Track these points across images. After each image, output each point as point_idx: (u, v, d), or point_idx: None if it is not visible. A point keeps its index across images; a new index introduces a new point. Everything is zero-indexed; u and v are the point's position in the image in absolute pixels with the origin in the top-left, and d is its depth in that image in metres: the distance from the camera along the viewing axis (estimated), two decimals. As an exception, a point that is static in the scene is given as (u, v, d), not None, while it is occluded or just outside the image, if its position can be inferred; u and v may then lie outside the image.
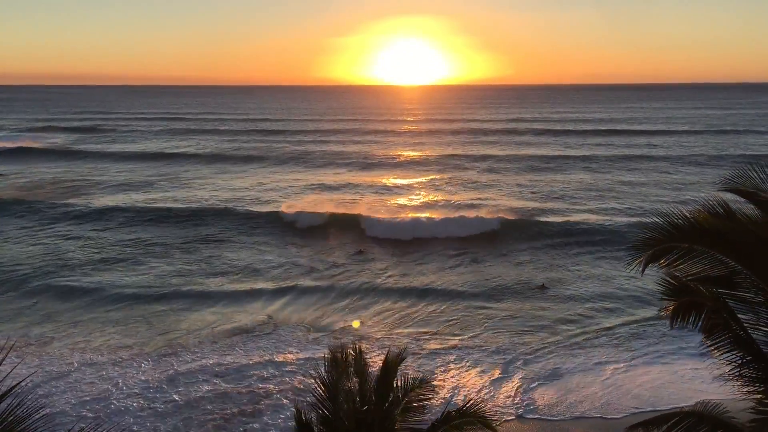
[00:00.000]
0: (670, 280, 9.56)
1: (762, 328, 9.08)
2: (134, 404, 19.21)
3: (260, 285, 31.08)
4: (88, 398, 19.51)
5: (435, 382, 20.18)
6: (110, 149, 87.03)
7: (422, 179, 61.96)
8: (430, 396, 10.24)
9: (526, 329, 25.31)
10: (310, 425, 9.74)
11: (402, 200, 51.54)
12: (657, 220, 9.58)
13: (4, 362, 5.77)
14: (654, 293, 9.87)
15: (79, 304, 28.66)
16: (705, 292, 9.18)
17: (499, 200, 50.14)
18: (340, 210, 45.62)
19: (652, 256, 9.46)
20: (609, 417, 18.51)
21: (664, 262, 9.47)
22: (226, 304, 28.46)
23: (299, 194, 54.15)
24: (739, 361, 9.02)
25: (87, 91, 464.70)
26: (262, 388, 20.33)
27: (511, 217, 42.30)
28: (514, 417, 18.52)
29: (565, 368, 21.72)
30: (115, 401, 19.42)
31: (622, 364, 21.95)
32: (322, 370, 10.05)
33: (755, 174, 9.80)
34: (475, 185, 57.93)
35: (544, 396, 19.72)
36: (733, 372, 9.11)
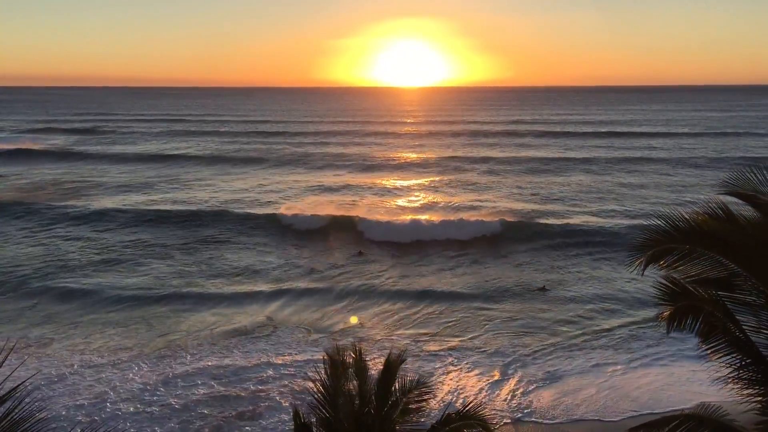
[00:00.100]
0: (667, 283, 9.56)
1: (762, 330, 9.08)
2: (131, 408, 19.17)
3: (260, 286, 31.09)
4: (85, 402, 19.43)
5: (434, 384, 20.19)
6: (110, 151, 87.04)
7: (422, 181, 61.97)
8: (428, 397, 10.24)
9: (525, 331, 25.31)
10: (309, 427, 9.72)
11: (402, 202, 51.55)
12: (657, 221, 9.59)
13: (3, 364, 5.77)
14: (653, 295, 9.87)
15: (79, 305, 28.66)
16: (704, 295, 9.18)
17: (499, 202, 50.14)
18: (340, 212, 45.62)
19: (652, 256, 9.47)
20: (607, 420, 18.50)
21: (664, 263, 9.48)
22: (226, 306, 28.46)
23: (299, 196, 54.17)
24: (738, 364, 9.01)
25: (87, 92, 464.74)
26: (261, 390, 20.32)
27: (511, 219, 42.29)
28: (511, 420, 18.48)
29: (564, 370, 21.71)
30: (113, 405, 19.38)
31: (620, 366, 21.96)
32: (322, 371, 10.04)
33: (754, 176, 9.81)
34: (475, 187, 57.93)
35: (542, 399, 19.71)
36: (732, 375, 9.10)
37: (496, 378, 21.17)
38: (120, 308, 28.24)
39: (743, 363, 8.99)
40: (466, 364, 22.30)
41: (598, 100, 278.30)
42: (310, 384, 10.38)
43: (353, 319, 27.01)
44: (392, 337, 24.80)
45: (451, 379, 21.18)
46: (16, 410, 5.63)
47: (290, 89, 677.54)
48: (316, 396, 9.75)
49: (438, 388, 20.16)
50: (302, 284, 31.42)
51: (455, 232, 39.61)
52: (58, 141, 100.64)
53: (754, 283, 9.02)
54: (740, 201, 9.90)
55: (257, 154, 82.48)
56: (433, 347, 23.81)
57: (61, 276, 32.62)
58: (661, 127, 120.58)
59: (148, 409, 19.08)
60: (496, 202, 50.00)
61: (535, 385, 20.64)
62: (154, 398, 19.77)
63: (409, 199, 53.10)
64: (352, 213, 45.04)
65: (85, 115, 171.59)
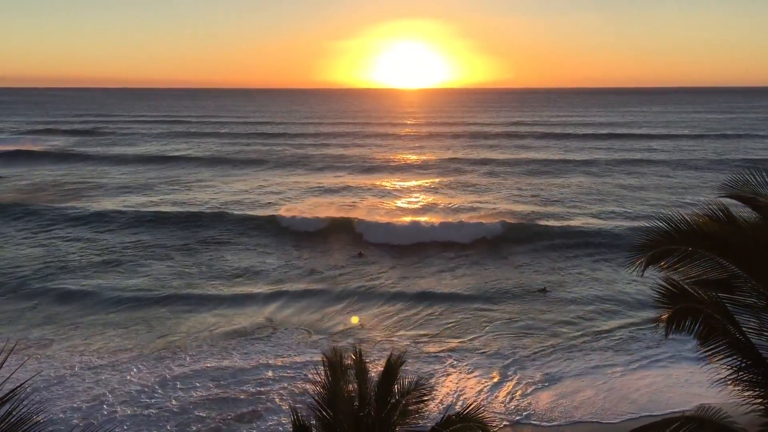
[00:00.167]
0: (667, 285, 9.57)
1: (763, 332, 9.08)
2: (128, 410, 19.08)
3: (260, 288, 31.08)
4: (84, 406, 19.32)
5: (434, 386, 20.18)
6: (110, 152, 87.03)
7: (422, 183, 61.97)
8: (428, 399, 10.23)
9: (525, 332, 25.30)
10: (308, 429, 9.71)
11: (402, 204, 51.54)
12: (658, 222, 9.61)
13: (3, 365, 5.76)
14: (653, 297, 9.88)
15: (80, 306, 28.66)
16: (703, 296, 9.18)
17: (499, 204, 50.13)
18: (340, 214, 45.61)
19: (653, 257, 9.49)
20: (605, 422, 18.47)
21: (664, 265, 9.50)
22: (226, 307, 28.45)
23: (299, 197, 54.17)
24: (738, 366, 9.01)
25: (87, 93, 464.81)
26: (260, 391, 20.29)
27: (511, 220, 42.27)
28: (510, 423, 18.43)
29: (563, 372, 21.70)
30: (110, 407, 19.31)
31: (619, 368, 21.94)
32: (322, 373, 10.03)
33: (753, 179, 9.84)
34: (476, 189, 57.93)
35: (540, 401, 19.68)
36: (732, 376, 9.10)
37: (495, 380, 21.15)
38: (120, 309, 28.23)
39: (743, 365, 8.99)
40: (466, 365, 22.29)
41: (598, 101, 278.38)
42: (310, 386, 10.36)
43: (354, 320, 27.07)
44: (392, 339, 24.79)
45: (450, 381, 21.16)
46: (14, 412, 5.62)
47: (290, 90, 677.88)
48: (315, 398, 9.74)
49: (438, 390, 20.16)
50: (302, 285, 31.41)
51: (455, 233, 39.58)
52: (58, 142, 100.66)
53: (754, 285, 9.04)
54: (740, 203, 9.93)
55: (257, 156, 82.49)
56: (433, 348, 23.80)
57: (62, 277, 32.62)
58: (661, 128, 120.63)
59: (146, 412, 19.03)
60: (496, 204, 49.99)
61: (534, 387, 20.61)
62: (152, 401, 19.73)
63: (409, 200, 53.09)
64: (353, 215, 45.03)
65: (85, 116, 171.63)
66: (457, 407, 18.70)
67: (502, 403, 19.59)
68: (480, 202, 50.75)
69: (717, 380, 9.30)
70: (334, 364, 9.99)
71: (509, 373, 21.66)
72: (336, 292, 30.38)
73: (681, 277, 9.51)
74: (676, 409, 17.63)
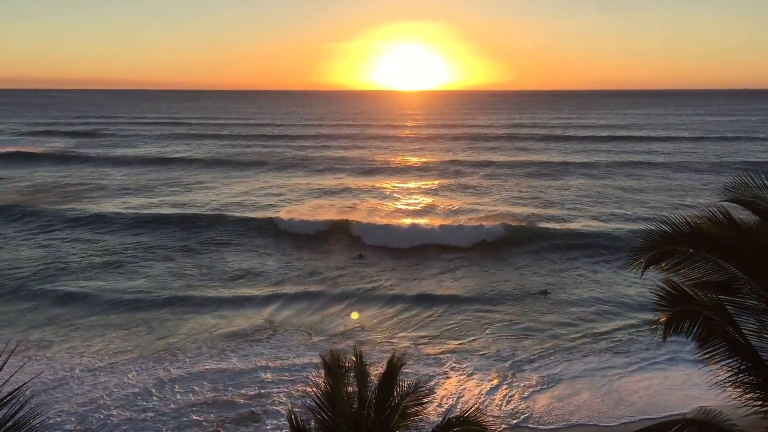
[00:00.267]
0: (666, 287, 9.57)
1: (763, 334, 9.07)
2: (126, 414, 19.01)
3: (260, 290, 31.07)
4: (81, 410, 19.22)
5: (434, 388, 20.19)
6: (111, 154, 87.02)
7: (423, 185, 61.96)
8: (428, 402, 10.22)
9: (526, 334, 25.29)
10: (306, 430, 9.69)
11: (402, 206, 51.53)
12: (659, 224, 9.62)
13: (3, 368, 5.75)
14: (652, 300, 9.87)
15: (80, 308, 28.65)
16: (703, 299, 9.18)
17: (500, 206, 50.12)
18: (341, 216, 45.59)
19: (653, 258, 9.49)
20: (604, 425, 18.46)
21: (665, 266, 9.50)
22: (226, 309, 28.44)
23: (300, 199, 54.15)
24: (738, 368, 9.00)
25: (87, 95, 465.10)
26: (259, 394, 20.27)
27: (512, 223, 42.24)
28: (508, 427, 18.38)
29: (563, 374, 21.69)
30: (107, 410, 19.26)
31: (618, 370, 21.93)
32: (322, 374, 10.02)
33: (753, 181, 9.86)
34: (476, 191, 57.92)
35: (539, 403, 19.66)
36: (731, 379, 9.09)
37: (495, 382, 21.13)
38: (120, 311, 28.23)
39: (743, 367, 8.98)
40: (466, 367, 22.27)
41: (598, 104, 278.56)
42: (310, 388, 10.34)
43: (354, 315, 27.13)
44: (392, 340, 24.77)
45: (450, 383, 21.15)
46: (14, 416, 5.61)
47: (291, 92, 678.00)
48: (315, 400, 9.72)
49: (437, 392, 20.15)
50: (302, 287, 31.40)
51: (456, 236, 39.54)
52: (58, 144, 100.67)
53: (755, 287, 9.04)
54: (740, 207, 9.94)
55: (258, 157, 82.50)
56: (433, 350, 23.79)
57: (62, 278, 32.61)
58: (661, 131, 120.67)
59: (142, 416, 18.94)
60: (496, 206, 49.98)
61: (533, 389, 20.59)
62: (150, 404, 19.65)
63: (409, 202, 53.09)
64: (353, 217, 45.00)
65: (86, 117, 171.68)
66: (456, 409, 18.71)
67: (501, 405, 19.58)
68: (480, 204, 50.75)
69: (716, 383, 9.28)
70: (333, 366, 9.98)
71: (509, 375, 21.65)
72: (336, 294, 30.37)
73: (682, 279, 9.52)
74: (675, 412, 17.63)
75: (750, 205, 9.76)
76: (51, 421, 18.11)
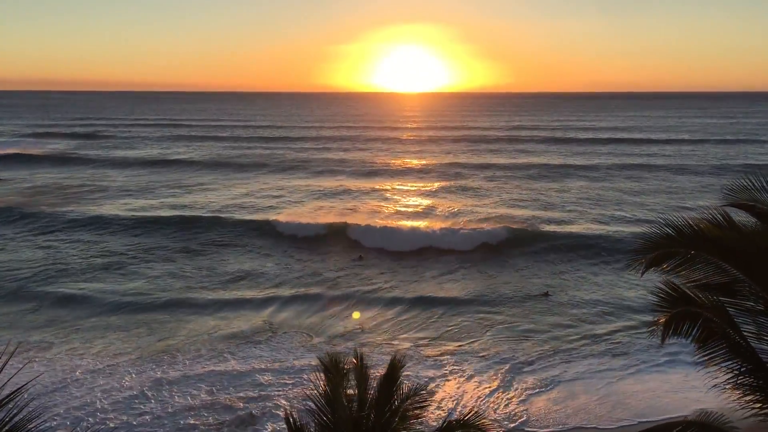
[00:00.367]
0: (666, 289, 9.57)
1: (763, 337, 9.07)
2: (124, 417, 18.97)
3: (260, 291, 31.06)
4: (80, 413, 19.14)
5: (434, 390, 20.16)
6: (111, 155, 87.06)
7: (423, 187, 61.94)
8: (428, 404, 10.20)
9: (526, 336, 25.28)
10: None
11: (403, 209, 51.52)
12: (661, 225, 9.62)
13: (2, 369, 5.74)
14: (652, 301, 9.85)
15: (80, 309, 28.65)
16: (704, 300, 9.18)
17: (500, 209, 50.11)
18: (341, 218, 45.57)
19: (654, 259, 9.50)
20: (602, 428, 18.43)
21: (666, 267, 9.50)
22: (226, 311, 28.43)
23: (300, 201, 54.16)
24: (738, 371, 9.00)
25: (87, 97, 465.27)
26: (259, 395, 20.25)
27: (513, 225, 42.24)
28: (506, 430, 18.34)
29: (562, 377, 21.67)
30: (104, 413, 19.21)
31: (617, 373, 21.92)
32: (322, 376, 10.00)
33: (752, 184, 9.88)
34: (476, 193, 57.92)
35: (538, 406, 19.63)
36: (731, 381, 9.08)
37: (494, 384, 21.11)
38: (120, 313, 28.22)
39: (743, 369, 8.97)
40: (466, 370, 22.25)
41: (598, 106, 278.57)
42: (310, 390, 10.32)
43: (355, 315, 27.16)
44: (393, 342, 24.76)
45: (450, 385, 21.13)
46: (13, 418, 5.61)
47: (291, 94, 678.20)
48: (315, 402, 9.70)
49: (437, 394, 20.12)
50: (302, 289, 31.38)
51: (457, 238, 39.52)
52: (59, 145, 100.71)
53: (755, 290, 9.03)
54: (741, 210, 9.96)
55: (258, 159, 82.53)
56: (433, 352, 23.77)
57: (62, 280, 32.62)
58: (661, 133, 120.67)
59: (139, 419, 18.86)
60: (496, 209, 49.97)
61: (532, 392, 20.57)
62: (149, 407, 19.60)
63: (410, 205, 53.08)
64: (354, 219, 44.99)
65: (86, 119, 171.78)
66: (456, 412, 18.69)
67: (499, 408, 19.55)
68: (481, 207, 50.74)
69: (715, 385, 9.27)
70: (331, 368, 9.96)
71: (508, 377, 21.63)
72: (336, 296, 30.37)
73: (683, 281, 9.52)
74: (673, 415, 17.58)
75: (750, 209, 9.77)
76: (49, 424, 18.05)
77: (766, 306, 9.01)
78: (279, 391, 20.56)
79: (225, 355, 23.49)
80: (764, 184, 9.86)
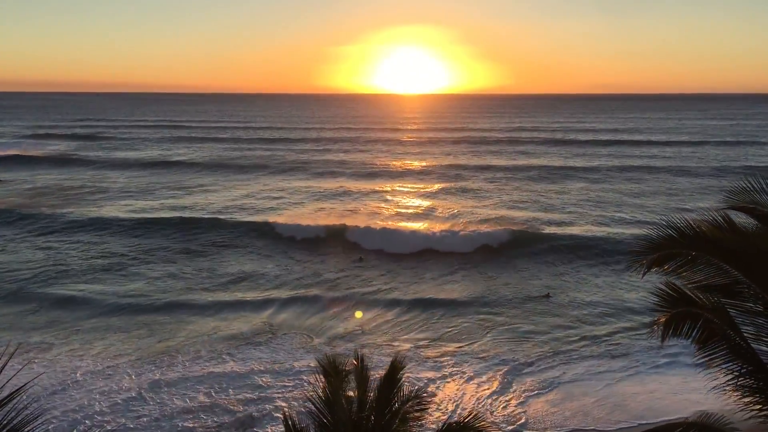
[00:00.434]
0: (667, 289, 9.56)
1: (764, 338, 9.06)
2: (122, 419, 18.91)
3: (260, 293, 31.04)
4: (78, 415, 19.11)
5: (434, 392, 20.14)
6: (111, 156, 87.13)
7: (423, 189, 61.95)
8: (428, 407, 10.17)
9: (526, 338, 25.26)
10: (302, 433, 9.64)
11: (403, 210, 51.51)
12: (663, 226, 9.62)
13: (2, 371, 5.73)
14: (653, 301, 9.84)
15: (80, 311, 28.63)
16: (704, 301, 9.18)
17: (501, 210, 50.11)
18: (341, 220, 45.57)
19: (656, 260, 9.49)
20: (601, 429, 18.40)
21: (668, 268, 9.50)
22: (226, 312, 28.41)
23: (300, 203, 54.17)
24: (739, 372, 8.99)
25: (88, 98, 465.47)
26: (258, 397, 20.23)
27: (513, 227, 42.24)
28: (505, 432, 18.35)
29: (561, 378, 21.65)
30: (102, 416, 19.16)
31: (617, 375, 21.89)
32: (321, 378, 9.98)
33: (752, 186, 9.88)
34: (477, 195, 57.91)
35: (537, 408, 19.59)
36: (731, 382, 9.07)
37: (494, 386, 21.08)
38: (121, 314, 28.21)
39: (743, 371, 8.96)
40: (466, 371, 22.23)
41: (599, 107, 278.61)
42: (309, 392, 10.30)
43: (358, 314, 27.20)
44: (394, 343, 24.74)
45: (450, 387, 21.10)
46: (11, 420, 5.59)
47: (291, 96, 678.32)
48: (315, 402, 9.68)
49: (437, 396, 20.09)
50: (302, 290, 31.37)
51: (457, 240, 39.50)
52: (59, 147, 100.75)
53: (756, 291, 9.03)
54: (741, 213, 9.96)
55: (259, 161, 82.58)
56: (433, 353, 23.75)
57: (63, 281, 32.62)
58: (661, 135, 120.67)
59: (139, 421, 18.83)
60: (497, 210, 49.97)
61: (531, 393, 20.53)
62: (147, 408, 19.54)
63: (410, 207, 53.07)
64: (354, 221, 45.00)
65: (86, 120, 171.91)
66: (456, 414, 18.66)
67: (499, 410, 19.52)
68: (481, 208, 50.74)
69: (715, 386, 9.26)
70: (330, 370, 9.94)
71: (508, 379, 21.60)
72: (336, 297, 30.35)
73: (684, 282, 9.52)
74: (672, 417, 17.54)
75: (751, 212, 9.79)
76: (47, 427, 18.01)
77: (766, 307, 9.01)
78: (278, 393, 20.53)
79: (224, 356, 23.47)
80: (764, 186, 9.86)
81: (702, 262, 9.30)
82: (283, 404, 19.61)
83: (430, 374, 21.91)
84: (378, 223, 43.85)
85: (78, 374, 21.75)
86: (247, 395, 20.31)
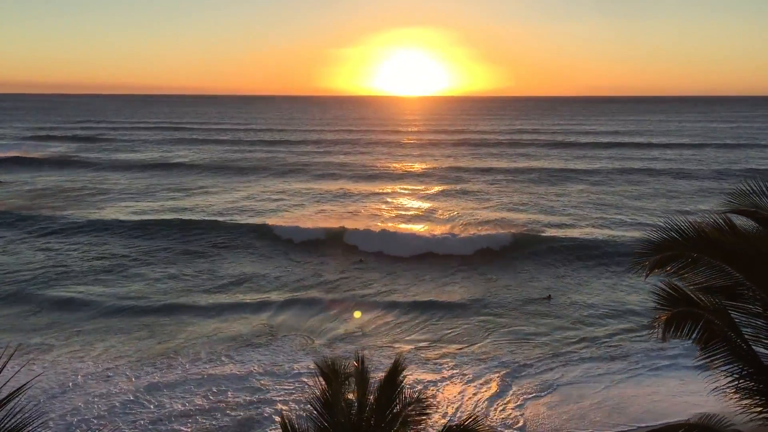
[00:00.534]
0: (667, 288, 9.56)
1: (762, 339, 9.05)
2: (120, 421, 18.90)
3: (260, 295, 31.03)
4: (76, 418, 19.05)
5: (434, 395, 20.10)
6: (112, 158, 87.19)
7: (424, 191, 61.95)
8: (429, 411, 10.14)
9: (526, 340, 25.23)
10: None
11: (404, 212, 51.51)
12: (665, 228, 9.62)
13: (1, 371, 5.72)
14: (653, 300, 9.83)
15: (80, 312, 28.62)
16: (706, 302, 9.17)
17: (502, 213, 50.11)
18: (341, 222, 45.58)
19: (658, 262, 9.49)
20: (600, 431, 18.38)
21: (670, 269, 9.50)
22: (226, 314, 28.39)
23: (301, 205, 54.19)
24: (739, 374, 8.98)
25: (88, 99, 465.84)
26: (258, 399, 20.20)
27: (514, 230, 42.22)
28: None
29: (561, 381, 21.61)
30: (100, 419, 19.11)
31: (616, 377, 21.86)
32: (321, 380, 9.96)
33: (753, 189, 9.89)
34: (477, 198, 57.89)
35: (535, 411, 19.55)
36: (731, 384, 9.06)
37: (493, 388, 21.05)
38: (121, 315, 28.19)
39: (744, 373, 8.95)
40: (466, 373, 22.19)
41: (599, 110, 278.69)
42: (309, 394, 10.29)
43: (357, 314, 27.15)
44: (394, 345, 24.71)
45: (449, 389, 21.07)
46: (11, 421, 5.58)
47: (292, 97, 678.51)
48: (314, 405, 9.65)
49: (437, 398, 20.06)
50: (302, 292, 31.36)
51: (458, 243, 39.45)
52: (60, 148, 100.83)
53: (757, 293, 9.03)
54: (742, 216, 9.98)
55: (259, 163, 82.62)
56: (433, 355, 23.73)
57: (63, 283, 32.61)
58: (662, 137, 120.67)
59: (138, 422, 18.81)
60: (498, 213, 49.96)
61: (530, 396, 20.48)
62: (147, 410, 19.53)
63: (411, 209, 53.08)
64: (354, 223, 45.00)
65: (87, 122, 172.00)
66: (456, 416, 18.63)
67: (498, 412, 19.49)
68: (481, 211, 50.73)
69: (716, 388, 9.24)
70: (329, 372, 9.92)
71: (507, 381, 21.56)
72: (336, 299, 30.33)
73: (686, 284, 9.52)
74: (672, 420, 17.50)
75: (752, 215, 9.80)
76: (45, 429, 17.98)
77: (766, 309, 9.00)
78: (278, 395, 20.50)
79: (223, 358, 23.44)
80: (765, 189, 9.87)
81: (703, 264, 9.30)
82: (283, 407, 19.59)
83: (430, 376, 21.88)
84: (378, 226, 43.82)
85: (78, 376, 21.73)
86: (247, 397, 20.27)
